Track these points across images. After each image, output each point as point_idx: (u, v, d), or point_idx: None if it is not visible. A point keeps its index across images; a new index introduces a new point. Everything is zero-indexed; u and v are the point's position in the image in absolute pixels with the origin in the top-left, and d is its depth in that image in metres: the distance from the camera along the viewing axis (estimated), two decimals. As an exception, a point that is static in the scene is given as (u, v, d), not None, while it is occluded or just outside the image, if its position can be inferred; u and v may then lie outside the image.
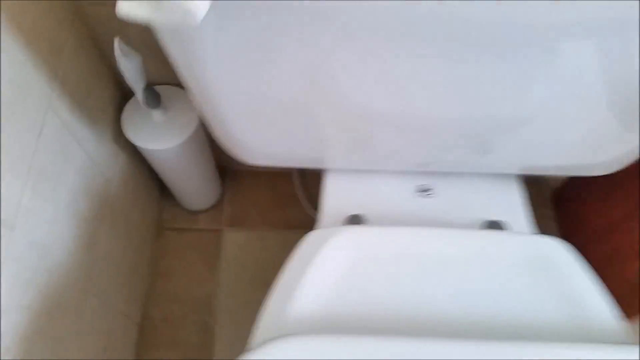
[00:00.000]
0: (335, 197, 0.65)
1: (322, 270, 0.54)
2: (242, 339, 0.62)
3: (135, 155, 0.94)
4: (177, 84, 0.85)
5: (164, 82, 0.85)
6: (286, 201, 1.10)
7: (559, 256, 0.54)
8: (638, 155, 0.58)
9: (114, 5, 0.73)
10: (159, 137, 0.83)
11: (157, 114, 0.83)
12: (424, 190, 0.66)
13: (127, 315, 0.92)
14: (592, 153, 0.58)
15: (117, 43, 0.68)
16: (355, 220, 0.62)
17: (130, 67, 0.71)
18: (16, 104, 0.59)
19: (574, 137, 0.55)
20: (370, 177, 0.66)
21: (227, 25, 0.42)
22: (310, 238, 0.56)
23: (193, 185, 1.00)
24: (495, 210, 0.64)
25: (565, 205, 0.93)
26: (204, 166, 0.96)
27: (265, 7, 0.41)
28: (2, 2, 0.55)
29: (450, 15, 0.40)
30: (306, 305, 0.52)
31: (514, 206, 0.64)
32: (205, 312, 1.00)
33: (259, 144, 0.59)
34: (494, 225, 0.62)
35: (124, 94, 0.87)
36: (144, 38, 0.76)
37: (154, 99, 0.79)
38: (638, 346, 0.45)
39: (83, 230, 0.75)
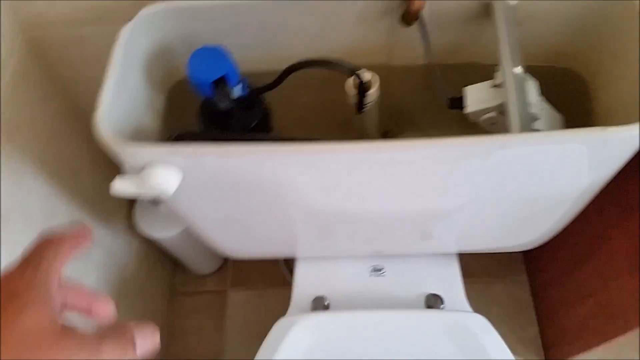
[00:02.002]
0: (303, 281, 0.79)
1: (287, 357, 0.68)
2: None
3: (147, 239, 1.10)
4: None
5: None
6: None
7: (480, 330, 0.68)
8: (552, 235, 0.71)
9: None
10: (166, 226, 0.99)
11: (162, 207, 0.98)
12: (377, 270, 0.80)
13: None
14: (510, 240, 0.72)
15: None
16: (319, 301, 0.77)
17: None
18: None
19: (493, 230, 0.69)
20: (333, 262, 0.80)
21: (194, 184, 0.57)
22: (277, 327, 0.71)
23: (200, 255, 1.15)
24: (436, 284, 0.78)
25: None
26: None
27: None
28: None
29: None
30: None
31: (452, 280, 0.78)
32: (215, 368, 1.14)
33: (239, 250, 0.74)
34: (435, 297, 0.76)
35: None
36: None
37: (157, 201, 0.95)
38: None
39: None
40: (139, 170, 0.52)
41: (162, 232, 0.99)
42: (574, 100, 0.64)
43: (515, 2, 0.57)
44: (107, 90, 0.54)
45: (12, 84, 0.66)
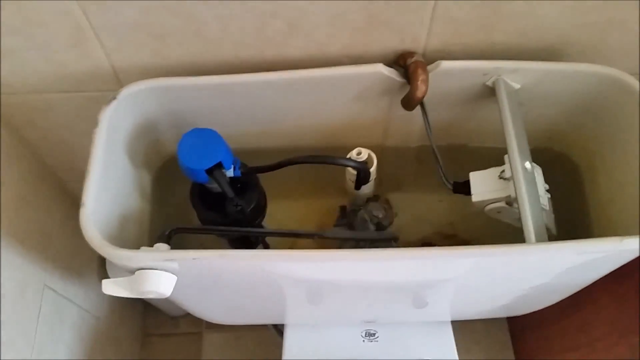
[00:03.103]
0: (294, 348, 0.76)
1: None
2: None
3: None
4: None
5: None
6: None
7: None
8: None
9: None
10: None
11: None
12: (371, 335, 0.78)
13: None
14: (505, 312, 0.71)
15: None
16: (312, 370, 0.74)
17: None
18: (17, 302, 0.69)
19: (488, 306, 0.68)
20: (324, 327, 0.78)
21: (187, 281, 0.53)
22: None
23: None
24: (430, 350, 0.76)
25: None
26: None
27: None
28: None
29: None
30: None
31: (446, 346, 0.77)
32: (191, 416, 1.10)
33: (227, 320, 0.71)
34: (429, 364, 0.75)
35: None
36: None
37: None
38: None
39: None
40: (132, 271, 0.49)
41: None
42: (563, 183, 0.63)
43: (518, 85, 0.56)
44: (91, 183, 0.50)
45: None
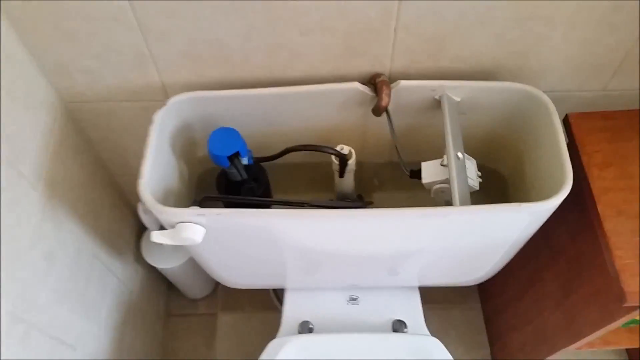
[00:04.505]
0: (291, 308, 0.96)
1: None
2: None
3: (150, 267, 1.25)
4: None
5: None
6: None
7: (436, 352, 0.86)
8: (494, 273, 0.90)
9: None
10: (168, 258, 1.14)
11: (166, 242, 1.14)
12: (353, 299, 0.97)
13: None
14: (461, 277, 0.90)
15: (140, 205, 0.99)
16: (305, 325, 0.93)
17: (148, 219, 1.03)
18: (74, 262, 0.89)
19: (446, 269, 0.87)
20: (317, 292, 0.97)
21: (213, 234, 0.73)
22: (271, 346, 0.87)
23: (194, 282, 1.30)
24: (401, 311, 0.95)
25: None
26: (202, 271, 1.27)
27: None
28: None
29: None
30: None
31: (414, 308, 0.96)
32: (206, 384, 1.29)
33: (240, 282, 0.90)
34: (400, 323, 0.93)
35: (142, 227, 1.19)
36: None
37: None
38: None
39: (116, 335, 1.05)
40: (173, 225, 0.68)
41: (165, 263, 1.14)
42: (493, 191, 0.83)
43: (459, 99, 0.76)
44: (146, 163, 0.70)
45: (56, 146, 0.82)
